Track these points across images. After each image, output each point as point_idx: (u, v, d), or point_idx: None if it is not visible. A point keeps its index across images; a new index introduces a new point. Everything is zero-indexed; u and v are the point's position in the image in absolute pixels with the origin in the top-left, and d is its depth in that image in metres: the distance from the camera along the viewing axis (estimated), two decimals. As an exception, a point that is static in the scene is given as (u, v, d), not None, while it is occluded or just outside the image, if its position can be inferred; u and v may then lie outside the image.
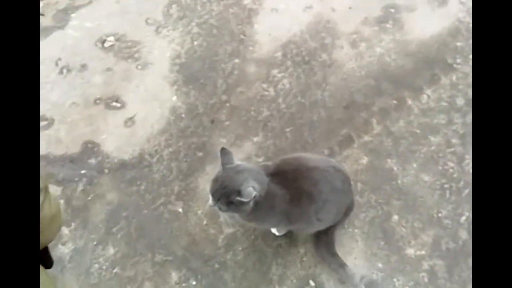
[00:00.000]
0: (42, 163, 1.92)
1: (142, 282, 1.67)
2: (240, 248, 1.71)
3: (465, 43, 2.16)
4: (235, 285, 1.64)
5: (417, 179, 1.81)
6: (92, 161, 1.94)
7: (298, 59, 2.17)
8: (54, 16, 2.40)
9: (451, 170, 1.82)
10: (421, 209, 1.75)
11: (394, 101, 2.01)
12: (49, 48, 2.26)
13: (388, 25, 2.26)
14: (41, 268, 0.87)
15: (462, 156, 1.85)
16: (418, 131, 1.93)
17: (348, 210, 1.62)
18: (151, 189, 1.86)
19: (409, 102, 2.01)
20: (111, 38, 2.30)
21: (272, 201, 1.35)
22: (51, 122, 2.05)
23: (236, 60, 2.19)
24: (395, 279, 1.62)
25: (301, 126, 1.98)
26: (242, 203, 1.25)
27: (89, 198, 1.85)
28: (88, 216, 1.81)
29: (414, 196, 1.77)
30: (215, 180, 1.30)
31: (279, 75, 2.13)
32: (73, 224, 1.80)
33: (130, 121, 2.04)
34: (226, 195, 1.26)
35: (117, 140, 1.99)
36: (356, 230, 1.71)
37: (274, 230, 1.69)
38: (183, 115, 2.04)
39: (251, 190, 1.23)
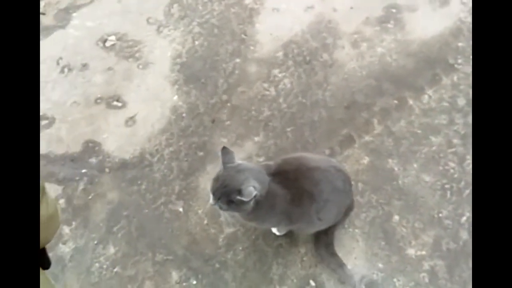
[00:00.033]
0: (42, 162, 1.93)
1: (142, 281, 1.67)
2: (240, 248, 1.71)
3: (467, 43, 2.15)
4: (235, 285, 1.64)
5: (418, 179, 1.81)
6: (93, 160, 1.94)
7: (299, 59, 2.17)
8: (56, 15, 2.40)
9: (452, 171, 1.82)
10: (422, 210, 1.74)
11: (395, 101, 2.01)
12: (50, 47, 2.27)
13: (389, 25, 2.25)
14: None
15: (463, 156, 1.85)
16: (419, 131, 1.92)
17: (348, 210, 1.62)
18: (151, 189, 1.86)
19: (410, 102, 2.00)
20: (112, 38, 2.30)
21: (273, 201, 1.35)
22: (52, 121, 2.05)
23: (237, 60, 2.19)
24: (395, 279, 1.62)
25: (302, 126, 1.98)
26: (243, 202, 1.25)
27: (90, 197, 1.85)
28: (89, 215, 1.82)
29: (415, 196, 1.77)
30: (216, 179, 1.30)
31: (280, 75, 2.13)
32: (73, 223, 1.80)
33: (131, 121, 2.04)
34: (226, 194, 1.26)
35: (118, 140, 1.99)
36: (356, 230, 1.71)
37: (274, 230, 1.69)
38: (184, 115, 2.04)
39: (251, 189, 1.23)
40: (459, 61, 2.10)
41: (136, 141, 1.98)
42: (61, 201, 1.84)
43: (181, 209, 1.81)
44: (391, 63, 2.13)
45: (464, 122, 1.93)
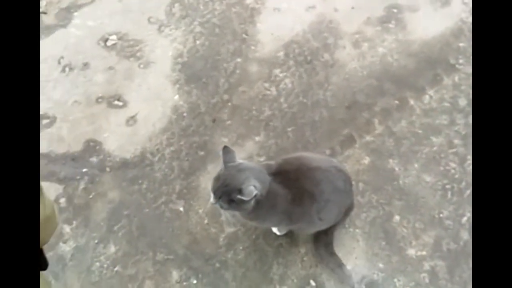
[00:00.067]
0: (44, 161, 1.93)
1: (143, 280, 1.67)
2: (241, 247, 1.71)
3: (468, 43, 2.15)
4: (236, 284, 1.64)
5: (419, 180, 1.81)
6: (94, 159, 1.95)
7: (300, 59, 2.17)
8: (57, 14, 2.41)
9: (452, 171, 1.82)
10: (422, 210, 1.74)
11: (396, 101, 2.01)
12: (51, 47, 2.27)
13: (390, 25, 2.25)
14: None
15: (464, 157, 1.85)
16: (420, 131, 1.92)
17: (348, 210, 1.62)
18: (152, 188, 1.86)
19: (411, 102, 2.00)
20: (114, 37, 2.31)
21: (274, 200, 1.35)
22: (53, 120, 2.05)
23: (238, 60, 2.19)
24: (396, 280, 1.62)
25: (302, 125, 1.98)
26: (243, 201, 1.25)
27: (91, 196, 1.86)
28: (89, 214, 1.82)
29: (416, 197, 1.77)
30: (217, 178, 1.30)
31: (281, 75, 2.13)
32: (74, 222, 1.80)
33: (132, 120, 2.04)
34: (227, 193, 1.26)
35: (119, 139, 2.00)
36: (357, 230, 1.71)
37: (275, 230, 1.69)
38: (185, 114, 2.04)
39: (252, 189, 1.23)
40: (460, 61, 2.10)
41: (137, 141, 1.98)
42: (62, 200, 1.85)
43: (181, 209, 1.81)
44: (392, 63, 2.13)
45: (465, 123, 1.93)
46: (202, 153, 1.93)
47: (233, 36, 2.27)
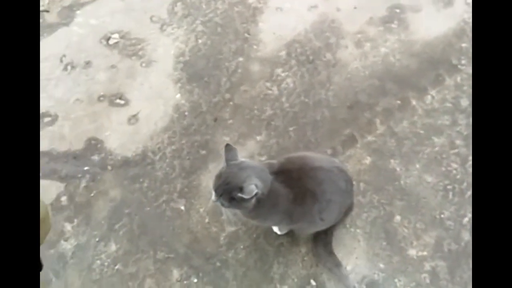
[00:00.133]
0: (45, 159, 1.93)
1: (143, 279, 1.67)
2: (241, 247, 1.71)
3: (470, 44, 2.14)
4: (236, 283, 1.64)
5: (420, 180, 1.81)
6: (95, 157, 1.95)
7: (302, 58, 2.17)
8: (59, 13, 2.41)
9: (454, 172, 1.82)
10: (423, 210, 1.74)
11: (398, 102, 2.01)
12: (53, 45, 2.27)
13: (393, 25, 2.25)
14: None
15: (466, 157, 1.84)
16: (421, 131, 1.92)
17: (348, 211, 1.62)
18: (153, 187, 1.86)
19: (413, 102, 2.00)
20: (116, 36, 2.31)
21: (276, 199, 1.35)
22: (55, 119, 2.06)
23: (240, 59, 2.19)
24: (396, 280, 1.62)
25: (304, 125, 1.97)
26: (244, 200, 1.25)
27: (92, 194, 1.86)
28: (90, 212, 1.82)
29: (417, 197, 1.77)
30: (219, 176, 1.30)
31: (283, 74, 2.13)
32: (75, 220, 1.80)
33: (133, 119, 2.05)
34: (228, 191, 1.26)
35: (120, 137, 2.00)
36: (358, 230, 1.71)
37: (276, 229, 1.69)
38: (186, 113, 2.04)
39: (253, 187, 1.23)
40: (463, 62, 2.10)
41: (138, 139, 1.99)
42: (63, 198, 1.85)
43: (182, 207, 1.81)
44: (394, 63, 2.13)
45: (467, 123, 1.93)
46: (203, 152, 1.93)
47: (235, 35, 2.27)
